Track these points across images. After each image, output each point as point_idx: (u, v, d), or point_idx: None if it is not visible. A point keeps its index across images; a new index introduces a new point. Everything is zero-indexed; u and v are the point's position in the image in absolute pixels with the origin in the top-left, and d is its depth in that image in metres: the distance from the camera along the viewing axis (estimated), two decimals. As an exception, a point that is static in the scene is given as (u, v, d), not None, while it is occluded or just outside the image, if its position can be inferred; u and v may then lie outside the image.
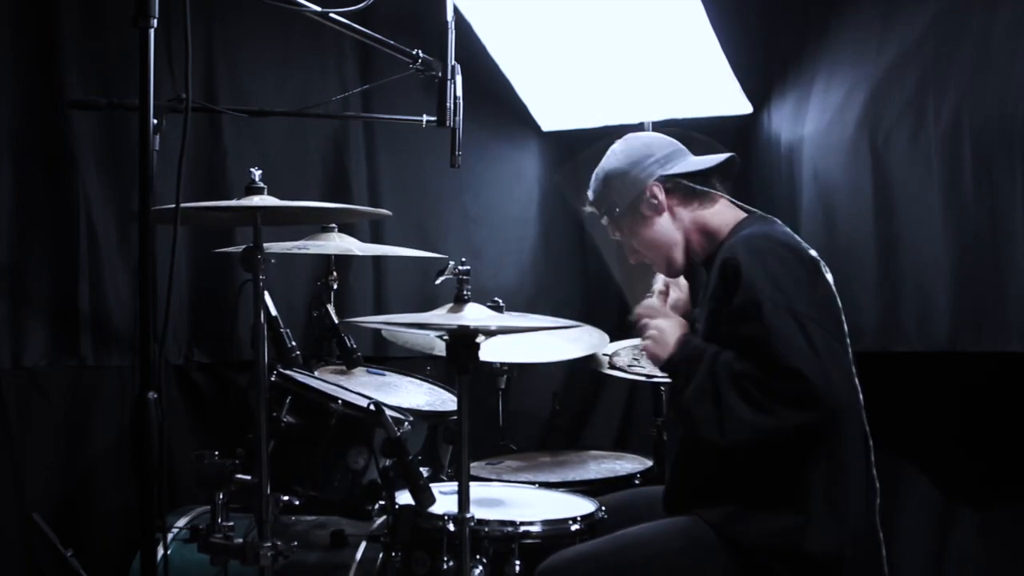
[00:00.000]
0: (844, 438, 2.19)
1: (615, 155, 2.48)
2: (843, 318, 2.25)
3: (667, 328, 2.29)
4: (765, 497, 2.16)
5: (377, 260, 3.60)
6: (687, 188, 2.39)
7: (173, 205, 1.92)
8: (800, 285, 2.17)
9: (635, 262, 2.53)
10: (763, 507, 2.16)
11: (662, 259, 2.45)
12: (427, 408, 2.95)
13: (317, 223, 2.96)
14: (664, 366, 2.27)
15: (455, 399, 2.25)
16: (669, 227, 2.41)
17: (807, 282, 2.21)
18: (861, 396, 2.26)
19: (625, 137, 2.51)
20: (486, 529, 2.31)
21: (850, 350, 2.23)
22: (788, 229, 2.36)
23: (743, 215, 2.40)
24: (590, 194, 2.52)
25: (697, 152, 2.50)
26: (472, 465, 2.68)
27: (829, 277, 2.30)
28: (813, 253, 2.30)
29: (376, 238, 3.51)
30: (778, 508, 2.15)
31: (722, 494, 2.19)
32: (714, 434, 2.10)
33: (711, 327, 2.25)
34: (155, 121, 1.83)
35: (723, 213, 2.40)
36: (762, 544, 2.14)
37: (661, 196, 2.39)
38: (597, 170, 2.51)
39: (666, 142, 2.47)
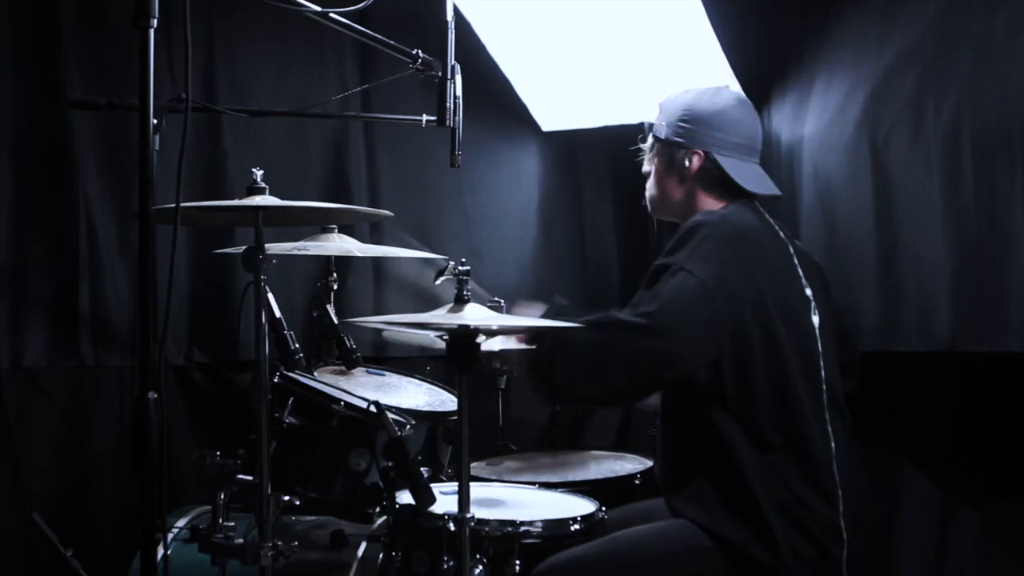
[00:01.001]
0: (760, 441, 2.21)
1: (706, 98, 2.47)
2: (794, 325, 2.28)
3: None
4: (733, 498, 2.18)
5: (377, 261, 3.60)
6: (720, 181, 2.40)
7: (173, 205, 1.91)
8: (713, 258, 2.20)
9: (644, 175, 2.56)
10: (732, 507, 2.18)
11: (652, 201, 2.53)
12: (427, 408, 2.95)
13: (318, 224, 2.96)
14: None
15: (455, 399, 2.25)
16: (677, 190, 2.45)
17: (730, 261, 2.22)
18: (842, 424, 2.28)
19: (740, 97, 2.52)
20: (486, 529, 2.31)
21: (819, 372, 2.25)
22: (769, 220, 2.37)
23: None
24: (665, 104, 2.52)
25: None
26: (472, 465, 2.68)
27: (807, 291, 2.30)
28: (792, 250, 2.32)
29: (376, 238, 3.51)
30: (739, 511, 2.18)
31: (703, 494, 2.21)
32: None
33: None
34: (155, 121, 1.83)
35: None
36: (742, 544, 2.16)
37: (695, 167, 2.40)
38: (696, 92, 2.50)
39: (748, 134, 2.47)
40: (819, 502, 2.22)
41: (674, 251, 2.24)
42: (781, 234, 2.43)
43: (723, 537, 2.18)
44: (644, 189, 2.58)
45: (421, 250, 3.09)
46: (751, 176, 2.42)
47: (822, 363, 2.28)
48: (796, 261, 2.36)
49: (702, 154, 2.40)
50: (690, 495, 2.24)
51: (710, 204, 2.41)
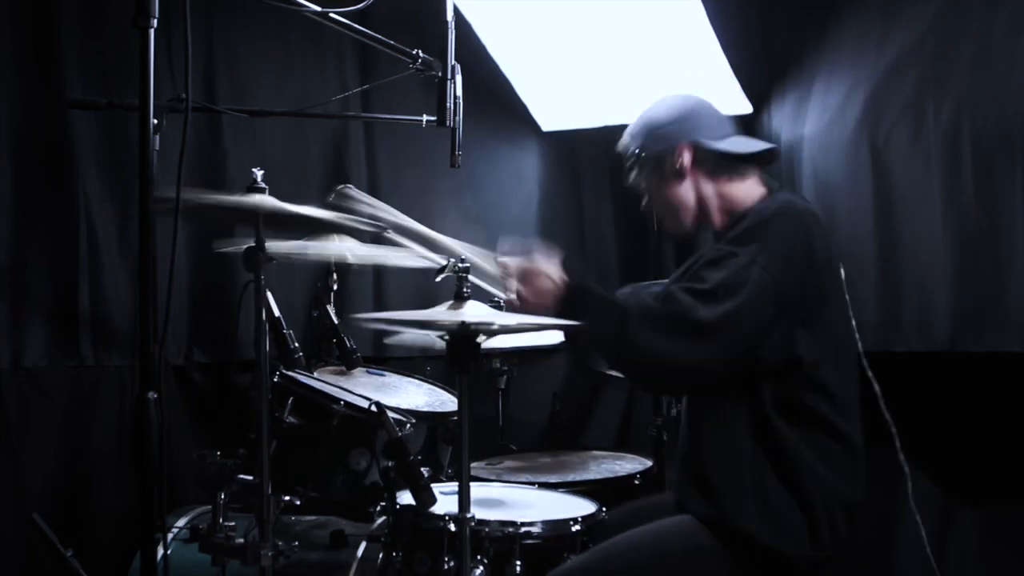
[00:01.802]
0: (815, 440, 2.19)
1: (663, 105, 2.44)
2: (847, 318, 2.25)
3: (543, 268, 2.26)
4: (751, 497, 2.17)
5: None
6: (717, 162, 2.36)
7: (174, 195, 1.90)
8: (793, 251, 2.19)
9: (645, 210, 2.51)
10: (750, 506, 2.17)
11: (670, 219, 2.45)
12: (427, 409, 2.95)
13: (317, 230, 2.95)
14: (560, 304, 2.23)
15: (455, 399, 2.25)
16: (687, 193, 2.38)
17: (803, 257, 2.21)
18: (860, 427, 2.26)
19: (683, 94, 2.47)
20: (487, 529, 2.31)
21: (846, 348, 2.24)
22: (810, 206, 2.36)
23: (765, 190, 2.39)
24: (627, 132, 2.48)
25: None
26: (472, 465, 2.67)
27: (842, 272, 2.29)
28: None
29: (376, 239, 3.51)
30: (761, 509, 2.17)
31: (719, 493, 2.20)
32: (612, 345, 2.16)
33: None
34: (155, 121, 1.83)
35: (750, 189, 2.37)
36: (752, 543, 2.15)
37: (687, 162, 2.36)
38: (643, 112, 2.47)
39: (718, 117, 2.44)
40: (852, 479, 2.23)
41: (743, 241, 2.19)
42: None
43: (746, 532, 2.16)
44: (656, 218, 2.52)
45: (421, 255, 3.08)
46: (740, 145, 2.39)
47: (857, 335, 2.28)
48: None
49: (688, 147, 2.37)
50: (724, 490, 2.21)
51: (727, 187, 2.37)
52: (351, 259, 2.95)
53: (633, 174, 2.46)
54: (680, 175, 2.38)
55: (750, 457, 2.19)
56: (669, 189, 2.40)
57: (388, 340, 3.21)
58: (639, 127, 2.44)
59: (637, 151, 2.42)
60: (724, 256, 2.19)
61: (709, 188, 2.38)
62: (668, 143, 2.38)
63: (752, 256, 2.15)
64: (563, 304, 2.22)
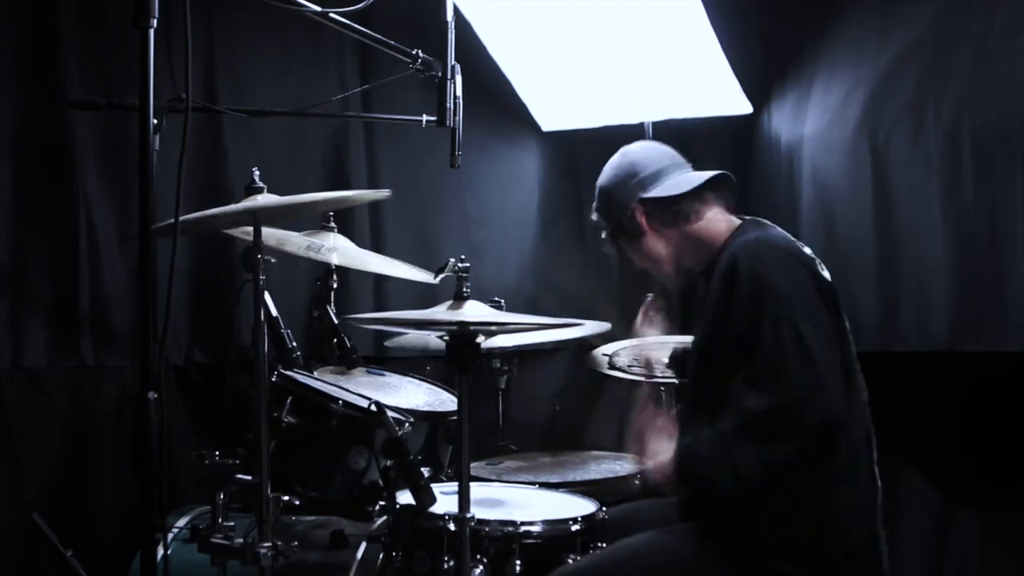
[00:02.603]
0: (843, 441, 2.17)
1: (607, 172, 2.48)
2: (843, 316, 2.24)
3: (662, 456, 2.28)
4: (761, 503, 2.16)
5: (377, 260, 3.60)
6: (668, 210, 2.37)
7: (172, 220, 1.91)
8: (799, 287, 2.16)
9: (640, 267, 2.52)
10: (758, 513, 2.16)
11: (655, 272, 2.48)
12: (427, 408, 2.95)
13: (316, 221, 2.95)
14: (678, 475, 2.22)
15: (455, 399, 2.25)
16: (656, 245, 2.41)
17: (806, 282, 2.18)
18: (866, 393, 2.24)
19: (620, 151, 2.49)
20: (486, 529, 2.31)
21: (852, 345, 2.22)
22: (782, 231, 2.34)
23: (738, 222, 2.37)
24: (594, 205, 2.52)
25: (697, 157, 2.48)
26: (472, 465, 2.68)
27: (826, 274, 2.28)
28: (807, 251, 2.28)
29: (376, 237, 3.51)
30: (773, 513, 2.15)
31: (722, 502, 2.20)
32: (731, 485, 2.11)
33: (711, 334, 2.24)
34: (155, 121, 1.83)
35: (716, 222, 2.36)
36: (758, 550, 2.14)
37: (641, 219, 2.39)
38: (597, 182, 2.51)
39: (657, 158, 2.44)
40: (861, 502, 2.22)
41: (751, 305, 2.14)
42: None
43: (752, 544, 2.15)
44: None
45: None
46: (687, 181, 2.38)
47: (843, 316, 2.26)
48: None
49: (638, 206, 2.39)
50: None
51: (689, 228, 2.37)
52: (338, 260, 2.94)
53: (606, 244, 2.51)
54: (642, 232, 2.40)
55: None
56: (640, 248, 2.43)
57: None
58: (597, 200, 2.50)
59: (602, 223, 2.48)
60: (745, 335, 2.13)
61: (673, 235, 2.39)
62: (621, 208, 2.41)
63: (774, 315, 2.11)
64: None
